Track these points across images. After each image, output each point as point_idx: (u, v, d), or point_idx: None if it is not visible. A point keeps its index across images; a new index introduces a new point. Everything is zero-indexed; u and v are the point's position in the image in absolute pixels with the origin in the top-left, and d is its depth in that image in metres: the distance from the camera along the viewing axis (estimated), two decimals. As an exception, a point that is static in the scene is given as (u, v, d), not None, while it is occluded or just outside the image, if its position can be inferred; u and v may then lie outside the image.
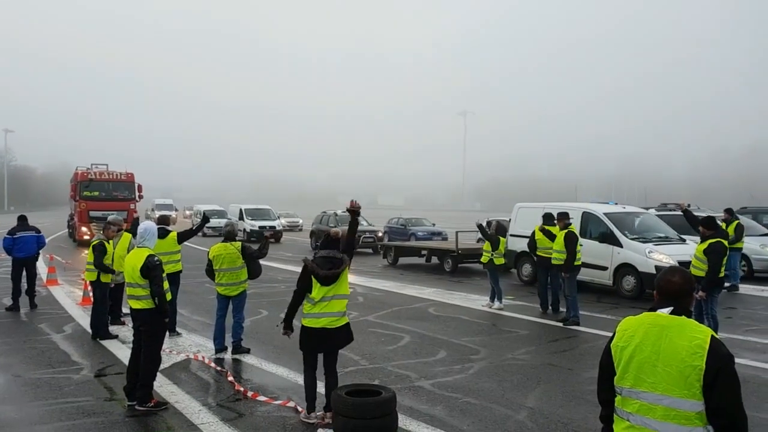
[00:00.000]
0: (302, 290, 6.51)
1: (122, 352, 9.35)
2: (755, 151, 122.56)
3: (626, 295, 14.86)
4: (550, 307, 13.20)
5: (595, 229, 15.89)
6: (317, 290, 6.41)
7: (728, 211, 16.76)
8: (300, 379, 7.46)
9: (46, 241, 15.86)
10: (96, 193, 30.26)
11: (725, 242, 9.88)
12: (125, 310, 10.51)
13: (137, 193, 31.59)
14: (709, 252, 9.69)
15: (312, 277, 6.44)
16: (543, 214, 13.93)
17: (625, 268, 15.05)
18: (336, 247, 6.66)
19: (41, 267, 17.20)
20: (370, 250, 29.26)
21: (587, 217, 16.20)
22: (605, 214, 15.96)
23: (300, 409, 6.69)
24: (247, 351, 9.32)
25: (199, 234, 11.65)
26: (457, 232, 21.59)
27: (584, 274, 15.56)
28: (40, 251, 14.35)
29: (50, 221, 54.29)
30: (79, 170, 31.89)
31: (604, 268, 15.42)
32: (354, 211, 6.79)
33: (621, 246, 15.11)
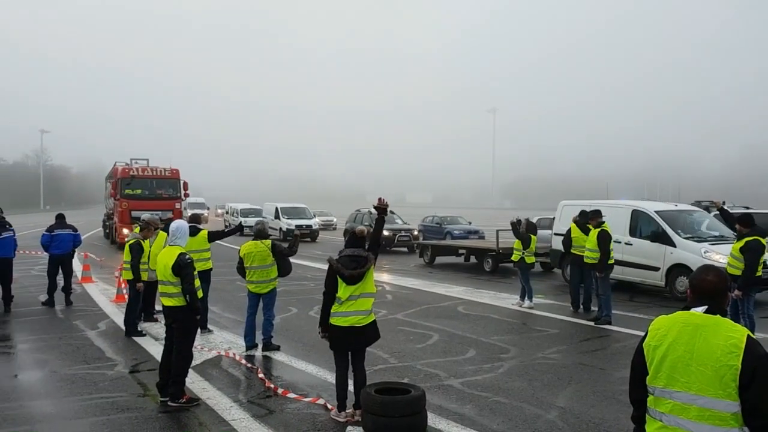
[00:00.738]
0: (331, 291, 6.55)
1: (155, 348, 9.48)
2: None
3: (679, 296, 14.18)
4: (581, 306, 13.05)
5: (646, 227, 15.35)
6: (343, 289, 6.47)
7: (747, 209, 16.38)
8: (329, 377, 7.61)
9: (82, 239, 16.16)
10: (138, 191, 27.10)
11: (763, 240, 9.65)
12: (158, 307, 10.73)
13: (182, 191, 28.56)
14: (746, 250, 9.50)
15: (337, 276, 6.50)
16: (580, 211, 13.65)
17: (678, 269, 14.43)
18: (361, 245, 6.71)
19: (76, 265, 17.55)
20: (405, 249, 29.08)
21: (637, 215, 15.66)
22: (657, 212, 15.41)
23: (330, 406, 6.73)
24: (277, 348, 9.39)
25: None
26: (497, 231, 21.10)
27: (634, 275, 15.29)
28: (76, 249, 14.63)
29: (85, 220, 55.34)
30: (119, 166, 29.00)
31: (656, 269, 14.87)
32: (382, 209, 6.80)
33: (674, 245, 14.55)
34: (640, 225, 15.55)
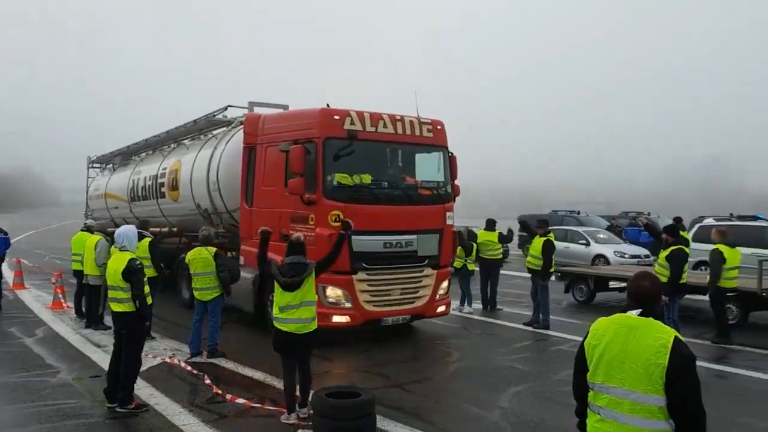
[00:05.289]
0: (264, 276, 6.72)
1: (97, 355, 9.39)
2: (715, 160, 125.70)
3: None
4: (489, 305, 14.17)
5: None
6: (280, 296, 6.66)
7: (677, 219, 17.20)
8: (277, 383, 7.71)
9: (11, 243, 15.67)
10: (364, 178, 10.28)
11: (687, 249, 10.29)
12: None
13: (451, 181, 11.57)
14: (671, 259, 10.12)
15: (276, 283, 6.69)
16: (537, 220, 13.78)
17: None
18: (300, 252, 6.87)
19: (6, 270, 16.98)
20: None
21: None
22: None
23: (279, 409, 6.86)
24: (223, 355, 9.46)
25: None
26: None
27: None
28: (6, 253, 14.20)
29: (7, 224, 53.03)
30: (322, 113, 10.23)
31: None
32: (345, 225, 7.34)
33: None
34: None
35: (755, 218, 19.70)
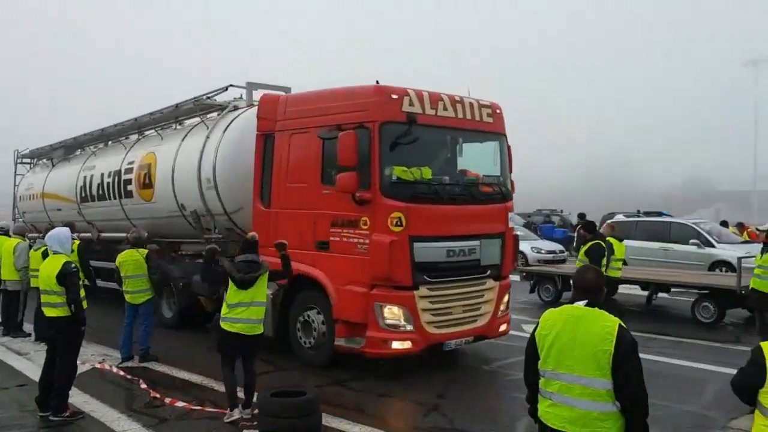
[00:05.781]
0: (221, 297, 6.86)
1: (20, 363, 9.16)
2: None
3: None
4: None
5: None
6: (233, 294, 6.68)
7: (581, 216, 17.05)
8: (216, 384, 7.75)
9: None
10: (425, 172, 8.29)
11: (603, 244, 10.18)
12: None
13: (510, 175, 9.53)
14: (590, 253, 9.97)
15: (229, 279, 6.69)
16: None
17: None
18: (254, 250, 7.07)
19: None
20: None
21: None
22: None
23: (221, 411, 6.77)
24: (155, 359, 9.24)
25: None
26: None
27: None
28: None
29: None
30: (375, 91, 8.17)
31: None
32: (279, 245, 7.33)
33: None
34: None
35: (660, 214, 21.31)
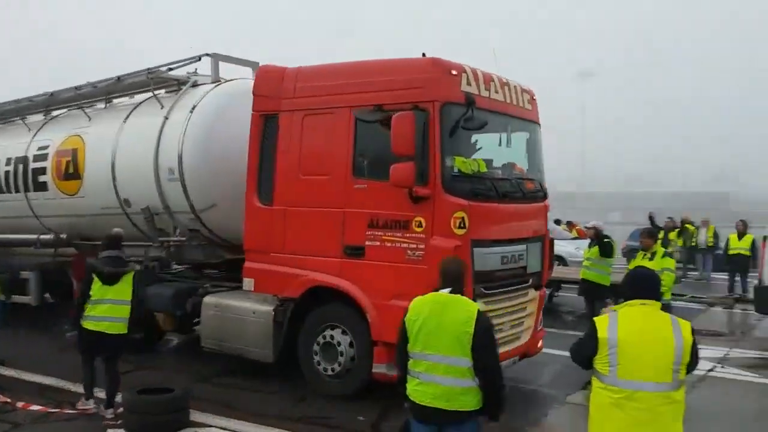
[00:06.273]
0: (85, 298, 6.58)
1: None
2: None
3: None
4: None
5: None
6: (98, 289, 6.50)
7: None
8: (72, 386, 7.42)
9: None
10: (480, 165, 7.05)
11: None
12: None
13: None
14: None
15: (94, 277, 6.54)
16: None
17: None
18: (118, 247, 6.89)
19: None
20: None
21: None
22: None
23: (80, 412, 6.60)
24: (1, 363, 8.48)
25: None
26: None
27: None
28: None
29: None
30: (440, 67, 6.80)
31: None
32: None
33: None
34: None
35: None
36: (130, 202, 9.23)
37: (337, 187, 7.01)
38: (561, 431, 7.02)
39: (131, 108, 9.61)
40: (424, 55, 6.86)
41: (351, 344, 7.06)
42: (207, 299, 8.22)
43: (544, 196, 8.06)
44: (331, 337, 7.11)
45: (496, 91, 7.21)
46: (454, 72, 6.67)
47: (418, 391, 3.91)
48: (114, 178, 9.27)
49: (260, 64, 9.24)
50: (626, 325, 3.61)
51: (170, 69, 9.01)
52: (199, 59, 8.85)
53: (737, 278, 15.82)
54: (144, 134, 9.01)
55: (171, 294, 8.71)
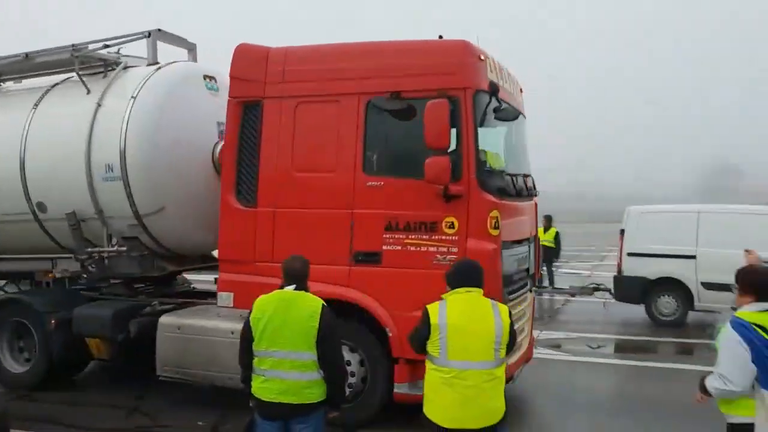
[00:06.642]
0: None
1: None
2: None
3: None
4: None
5: None
6: None
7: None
8: None
9: None
10: (500, 160, 6.66)
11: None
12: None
13: None
14: None
15: None
16: None
17: None
18: None
19: None
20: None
21: None
22: None
23: None
24: None
25: None
26: None
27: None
28: None
29: None
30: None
31: None
32: None
33: None
34: None
35: None
36: (45, 206, 7.63)
37: (343, 186, 6.13)
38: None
39: (43, 91, 7.93)
40: (440, 37, 6.20)
41: (361, 363, 6.23)
42: (164, 319, 6.94)
43: (536, 194, 7.65)
44: (341, 356, 6.20)
45: (505, 81, 6.69)
46: (482, 57, 6.04)
47: (263, 388, 3.98)
48: (24, 178, 7.61)
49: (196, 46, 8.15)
50: (454, 311, 3.91)
51: (107, 46, 7.48)
52: (149, 35, 7.45)
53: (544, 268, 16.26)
54: (67, 124, 7.49)
55: (109, 315, 7.24)
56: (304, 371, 3.94)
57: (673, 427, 6.74)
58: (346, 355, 6.16)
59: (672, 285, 12.02)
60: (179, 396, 7.28)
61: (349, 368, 6.16)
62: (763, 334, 3.58)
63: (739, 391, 3.61)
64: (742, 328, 3.60)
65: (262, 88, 6.45)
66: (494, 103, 6.10)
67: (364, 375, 6.23)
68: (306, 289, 4.16)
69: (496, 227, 5.88)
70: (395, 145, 6.10)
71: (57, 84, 7.99)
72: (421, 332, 3.97)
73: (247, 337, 4.07)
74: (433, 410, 3.92)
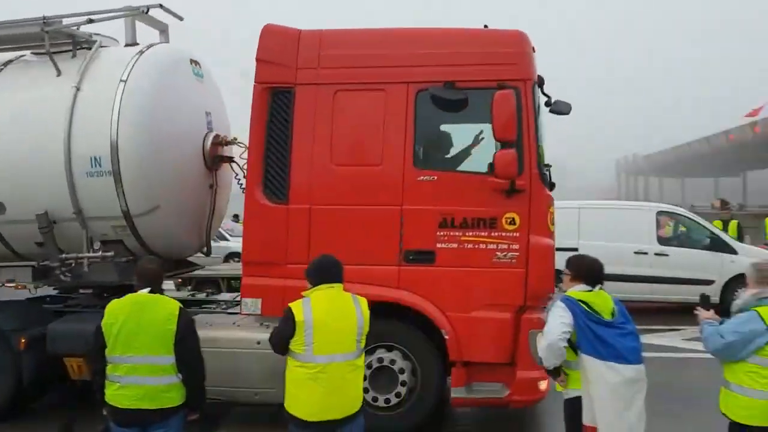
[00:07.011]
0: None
1: None
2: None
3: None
4: None
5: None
6: None
7: None
8: None
9: None
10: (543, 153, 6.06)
11: None
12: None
13: None
14: None
15: None
16: None
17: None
18: None
19: None
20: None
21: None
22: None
23: None
24: None
25: None
26: None
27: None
28: None
29: None
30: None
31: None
32: None
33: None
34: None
35: None
36: (4, 206, 6.48)
37: (391, 180, 5.73)
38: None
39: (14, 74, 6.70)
40: (486, 26, 5.98)
41: (413, 370, 5.85)
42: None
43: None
44: (392, 361, 5.77)
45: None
46: (534, 48, 5.89)
47: (119, 395, 3.88)
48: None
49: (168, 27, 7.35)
50: (318, 308, 3.93)
51: (91, 21, 6.44)
52: (147, 11, 6.51)
53: None
54: (36, 111, 6.44)
55: (94, 331, 6.28)
56: (163, 375, 3.89)
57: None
58: (400, 361, 5.82)
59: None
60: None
61: (401, 377, 5.81)
62: (585, 306, 4.13)
63: (553, 340, 4.10)
64: (567, 301, 4.16)
65: (294, 73, 5.88)
66: (543, 96, 5.98)
67: (417, 380, 5.85)
68: (161, 292, 4.12)
69: (553, 222, 5.77)
70: (449, 137, 5.79)
71: (11, 61, 6.82)
72: (285, 331, 3.95)
73: (99, 343, 3.96)
74: (296, 405, 3.92)
